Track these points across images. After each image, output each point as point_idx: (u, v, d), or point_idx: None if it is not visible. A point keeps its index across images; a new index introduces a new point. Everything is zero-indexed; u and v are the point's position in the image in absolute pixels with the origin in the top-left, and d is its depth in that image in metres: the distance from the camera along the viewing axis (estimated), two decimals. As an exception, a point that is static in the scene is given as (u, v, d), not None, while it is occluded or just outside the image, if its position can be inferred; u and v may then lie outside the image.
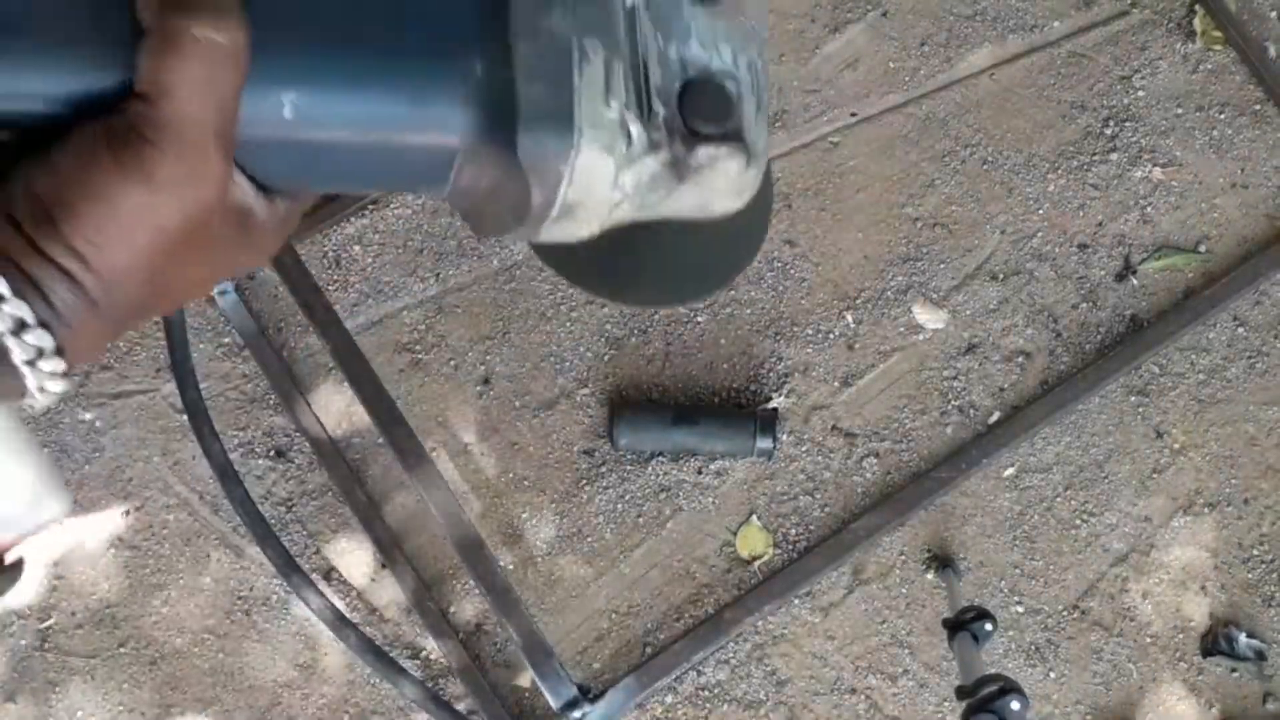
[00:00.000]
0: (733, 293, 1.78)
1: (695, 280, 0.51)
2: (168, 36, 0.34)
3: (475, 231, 0.43)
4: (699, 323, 1.76)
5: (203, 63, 0.34)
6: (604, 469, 1.71)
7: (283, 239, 0.40)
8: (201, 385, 1.67)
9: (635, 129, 0.37)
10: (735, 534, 1.70)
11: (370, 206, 1.79)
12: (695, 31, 0.39)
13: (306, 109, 0.36)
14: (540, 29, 0.37)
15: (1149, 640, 1.69)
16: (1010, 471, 1.73)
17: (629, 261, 0.47)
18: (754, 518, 1.70)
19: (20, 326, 0.34)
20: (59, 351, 0.35)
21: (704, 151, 0.38)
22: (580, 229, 0.40)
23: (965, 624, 1.39)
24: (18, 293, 0.34)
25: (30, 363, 0.34)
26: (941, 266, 1.80)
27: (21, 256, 0.34)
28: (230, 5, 0.34)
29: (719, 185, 0.39)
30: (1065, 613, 1.70)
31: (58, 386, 0.36)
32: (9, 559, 0.51)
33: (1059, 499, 1.73)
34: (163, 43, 0.34)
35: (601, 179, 0.38)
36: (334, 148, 0.37)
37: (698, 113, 0.38)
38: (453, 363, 1.74)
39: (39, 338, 0.34)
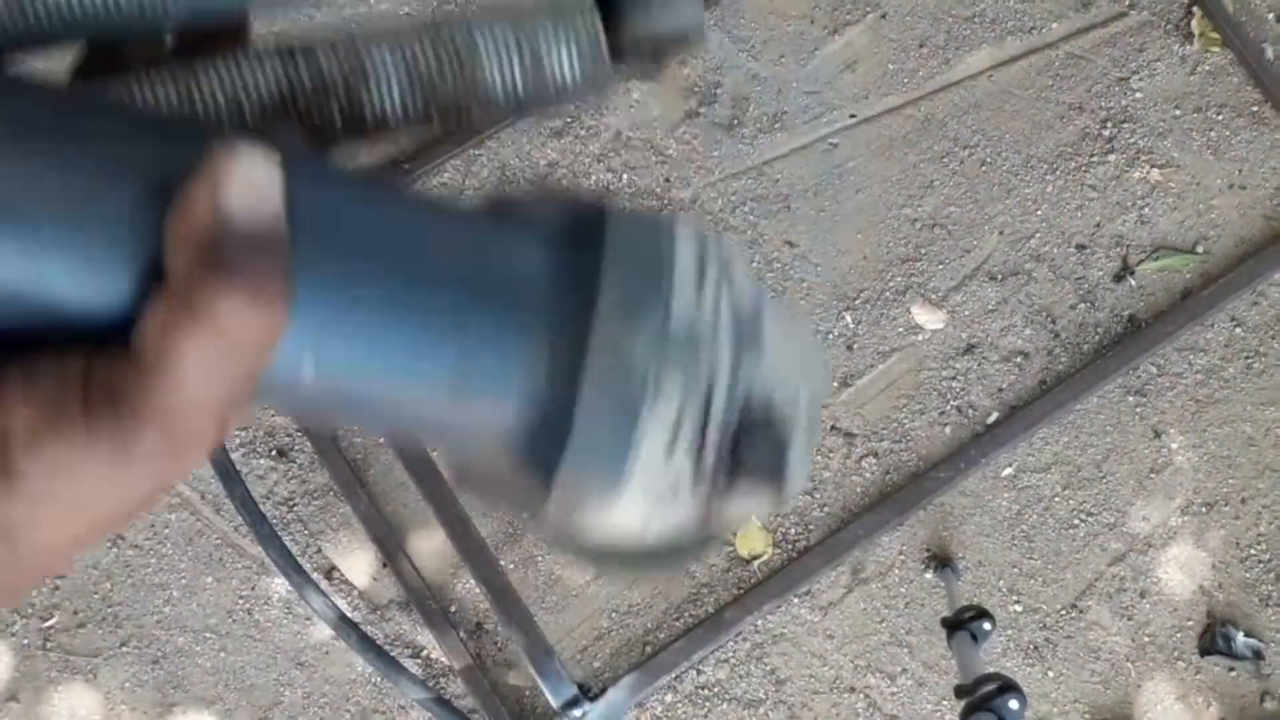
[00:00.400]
0: (732, 293, 1.78)
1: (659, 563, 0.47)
2: (193, 301, 0.26)
3: (457, 483, 0.37)
4: (699, 323, 1.77)
5: (228, 345, 0.26)
6: (604, 469, 1.71)
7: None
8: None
9: (687, 477, 0.32)
10: (735, 533, 1.70)
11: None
12: (770, 348, 0.34)
13: (328, 374, 0.30)
14: (621, 347, 0.31)
15: (1147, 639, 1.70)
16: (1009, 471, 1.74)
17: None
18: (753, 517, 1.71)
19: None
20: None
21: (739, 498, 0.34)
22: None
23: (964, 623, 1.40)
24: None
25: None
26: (940, 267, 1.80)
27: None
28: (279, 270, 0.27)
29: (735, 520, 0.35)
30: (1063, 612, 1.70)
31: None
32: None
33: (1057, 499, 1.73)
34: (185, 306, 0.26)
35: (632, 520, 0.33)
36: (343, 405, 0.31)
37: (749, 458, 0.33)
38: (453, 363, 1.75)
39: None
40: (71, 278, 0.26)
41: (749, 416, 0.33)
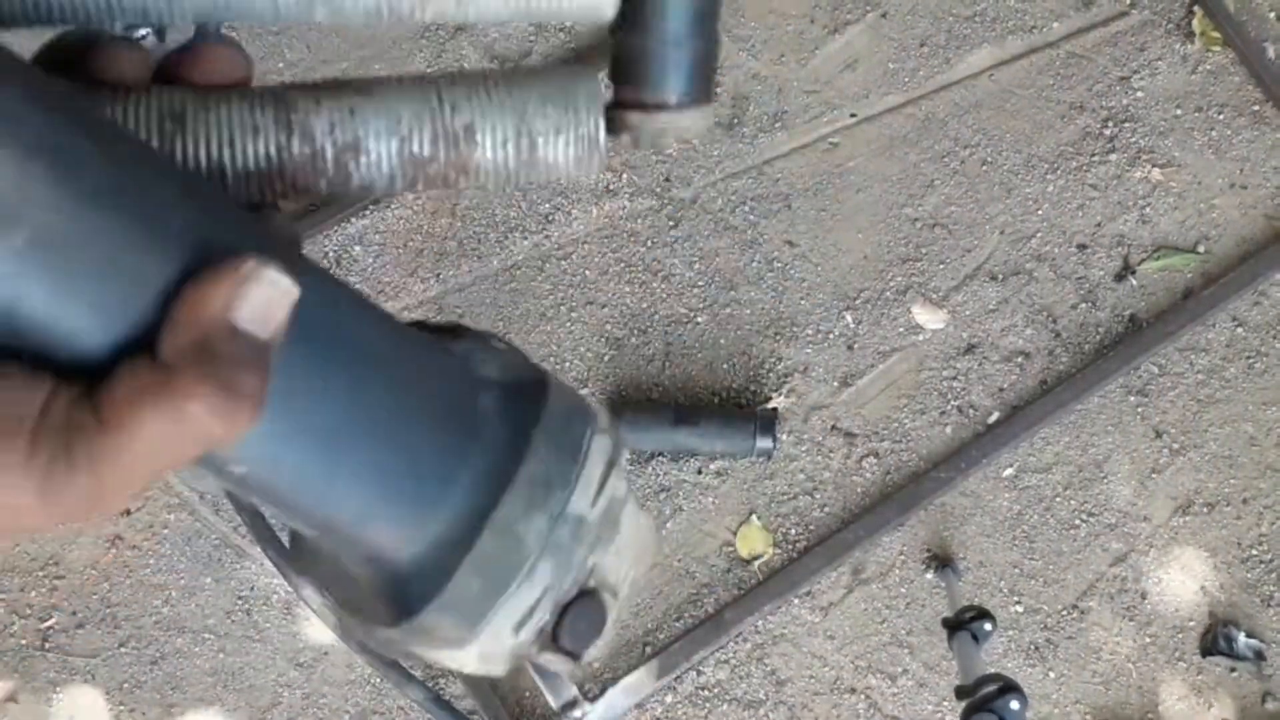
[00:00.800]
0: (732, 292, 1.78)
1: None
2: (172, 388, 0.27)
3: (292, 559, 0.39)
4: (699, 323, 1.77)
5: (185, 436, 0.27)
6: (604, 469, 1.71)
7: None
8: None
9: (520, 647, 0.36)
10: (735, 534, 1.70)
11: (371, 207, 1.80)
12: (619, 535, 0.37)
13: (255, 480, 0.31)
14: (514, 532, 0.34)
15: (1148, 640, 1.69)
16: (1010, 471, 1.74)
17: None
18: (754, 517, 1.71)
19: None
20: None
21: (545, 657, 0.37)
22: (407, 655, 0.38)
23: (965, 623, 1.39)
24: None
25: None
26: (941, 267, 1.80)
27: None
28: (258, 388, 0.28)
29: (530, 669, 0.38)
30: (1064, 612, 1.70)
31: None
32: None
33: (1058, 499, 1.73)
34: (161, 388, 0.27)
35: (458, 663, 0.36)
36: (255, 496, 0.33)
37: (571, 631, 0.36)
38: (453, 363, 1.74)
39: None
40: (71, 311, 0.27)
41: (580, 591, 0.36)
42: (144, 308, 0.28)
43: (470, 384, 0.35)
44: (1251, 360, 1.79)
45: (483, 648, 0.35)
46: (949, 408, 1.75)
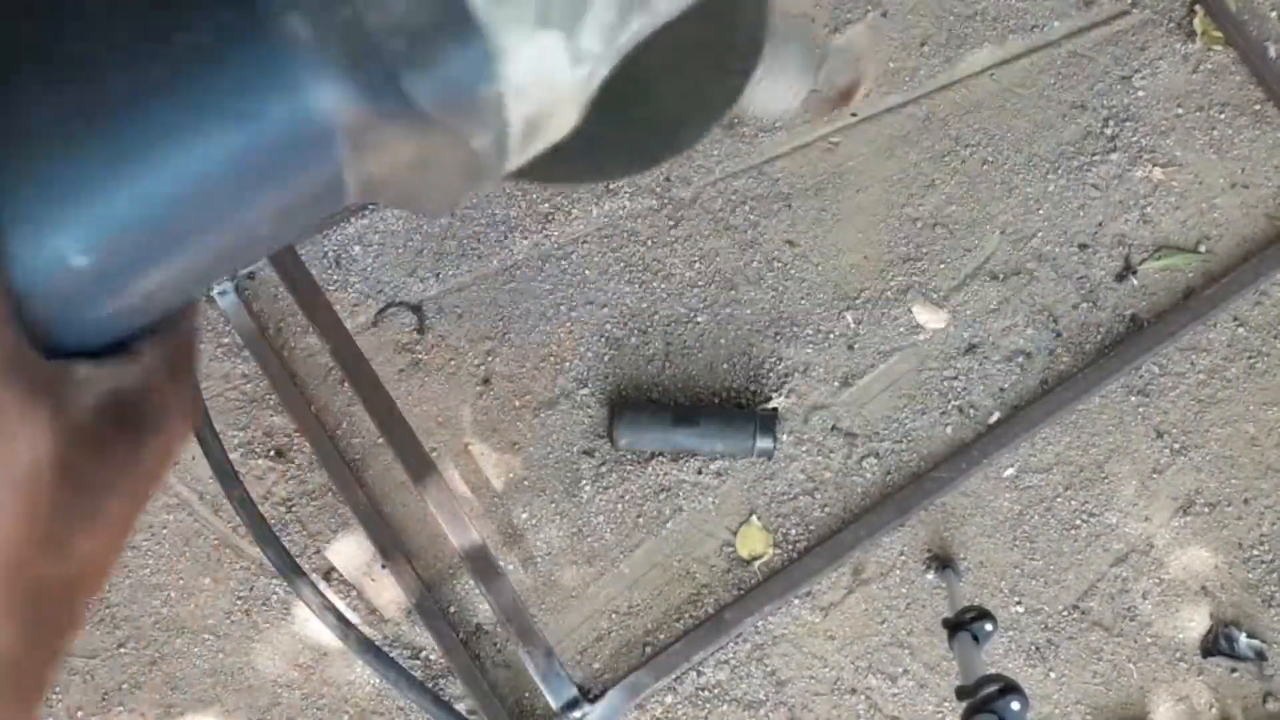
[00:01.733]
0: (732, 292, 1.78)
1: (686, 121, 0.39)
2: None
3: (422, 213, 0.28)
4: (699, 323, 1.76)
5: None
6: (604, 469, 1.71)
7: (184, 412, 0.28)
8: (201, 385, 1.67)
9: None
10: (735, 534, 1.70)
11: (370, 207, 1.79)
12: None
13: (103, 252, 0.23)
14: None
15: (1149, 640, 1.69)
16: (1010, 471, 1.73)
17: (615, 124, 0.33)
18: (754, 518, 1.70)
19: None
20: None
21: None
22: (556, 134, 0.27)
23: (965, 624, 1.39)
24: None
25: None
26: (942, 266, 1.80)
27: None
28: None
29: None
30: (1065, 613, 1.70)
31: None
32: None
33: (1059, 499, 1.73)
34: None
35: (556, 64, 0.25)
36: (162, 249, 0.24)
37: None
38: (453, 363, 1.74)
39: None
40: None
41: None
42: None
43: None
44: (1253, 360, 1.78)
45: (519, 20, 0.25)
46: (949, 408, 1.75)
